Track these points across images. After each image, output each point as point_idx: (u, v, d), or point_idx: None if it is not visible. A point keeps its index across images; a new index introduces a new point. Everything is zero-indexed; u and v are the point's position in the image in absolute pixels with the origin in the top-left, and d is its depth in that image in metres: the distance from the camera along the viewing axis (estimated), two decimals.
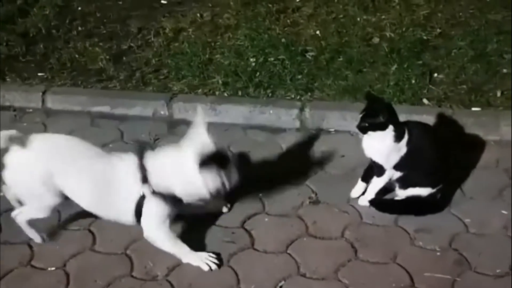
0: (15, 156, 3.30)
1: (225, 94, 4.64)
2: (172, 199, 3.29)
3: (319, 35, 5.15)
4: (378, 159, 3.53)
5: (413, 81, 4.51)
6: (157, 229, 3.33)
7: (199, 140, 3.21)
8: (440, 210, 3.61)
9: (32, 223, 3.46)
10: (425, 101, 4.37)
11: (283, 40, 5.06)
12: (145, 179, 3.25)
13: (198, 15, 5.62)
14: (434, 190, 3.57)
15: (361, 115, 3.46)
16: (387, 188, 3.65)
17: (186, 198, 3.32)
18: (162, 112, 4.62)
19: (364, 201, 3.67)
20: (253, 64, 4.86)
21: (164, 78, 4.89)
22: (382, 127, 3.41)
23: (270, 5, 5.57)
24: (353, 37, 5.06)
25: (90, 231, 3.60)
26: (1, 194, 3.67)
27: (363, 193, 3.70)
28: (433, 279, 3.20)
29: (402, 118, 3.53)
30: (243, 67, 4.82)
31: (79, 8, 5.91)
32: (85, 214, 3.48)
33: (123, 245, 3.49)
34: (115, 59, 5.12)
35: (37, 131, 4.48)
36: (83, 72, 5.04)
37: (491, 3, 5.30)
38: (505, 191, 3.73)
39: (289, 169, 4.02)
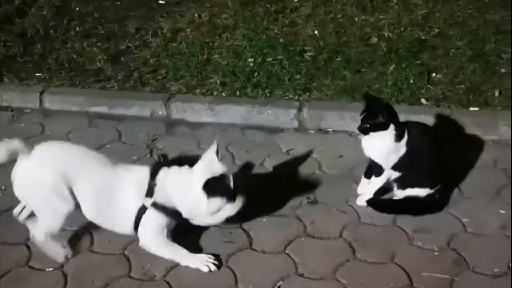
0: (22, 169, 3.27)
1: (223, 94, 4.64)
2: (171, 212, 3.34)
3: (317, 35, 5.15)
4: (378, 158, 3.53)
5: (411, 81, 4.51)
6: (153, 239, 3.36)
7: (210, 165, 3.29)
8: (439, 210, 3.61)
9: (52, 238, 3.39)
10: (423, 101, 4.37)
11: (281, 40, 5.06)
12: (150, 193, 3.30)
13: (196, 15, 5.62)
14: (433, 190, 3.57)
15: (361, 117, 3.46)
16: (386, 188, 3.65)
17: (186, 215, 3.37)
18: (160, 112, 4.62)
19: (362, 201, 3.67)
20: (251, 64, 4.86)
21: (162, 78, 4.89)
22: (384, 127, 3.41)
23: (268, 5, 5.57)
24: (351, 37, 5.06)
25: (88, 231, 3.59)
26: (0, 194, 3.67)
27: None
28: (431, 279, 3.19)
29: (400, 118, 3.52)
30: (241, 67, 4.82)
31: (77, 9, 5.91)
32: (82, 215, 3.47)
33: (121, 246, 3.48)
34: (113, 60, 5.12)
35: (35, 132, 4.52)
36: (81, 72, 5.04)
37: (489, 3, 5.31)
38: (503, 190, 3.73)
39: (287, 169, 4.01)
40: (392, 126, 3.41)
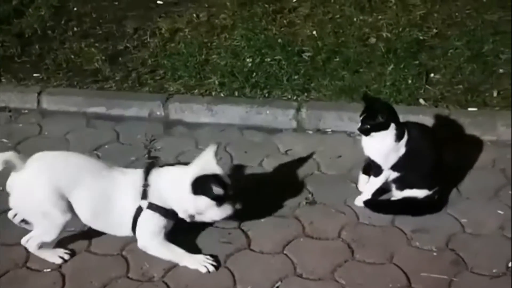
0: (17, 181, 3.27)
1: (222, 95, 4.63)
2: (168, 213, 3.34)
3: (316, 35, 5.15)
4: (377, 158, 3.52)
5: (410, 81, 4.51)
6: (151, 240, 3.36)
7: (205, 165, 3.30)
8: (437, 210, 3.61)
9: (45, 246, 3.40)
10: (421, 101, 4.37)
11: (279, 40, 5.06)
12: (144, 194, 3.31)
13: (195, 15, 5.62)
14: (431, 192, 3.57)
15: (361, 118, 3.46)
16: (384, 189, 3.65)
17: (181, 214, 3.37)
18: (158, 113, 4.61)
19: (360, 202, 3.66)
20: (250, 64, 4.85)
21: (160, 78, 4.88)
22: (384, 127, 3.41)
23: (266, 6, 5.57)
24: (349, 37, 5.06)
25: (85, 232, 3.58)
26: None
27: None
28: (430, 279, 3.19)
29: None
30: (240, 68, 4.81)
31: (75, 9, 5.90)
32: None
33: (119, 246, 3.48)
34: (111, 60, 5.11)
35: (33, 132, 4.51)
36: (79, 72, 5.03)
37: (488, 4, 5.31)
38: (502, 191, 3.73)
39: (285, 169, 4.01)
40: (392, 126, 3.41)
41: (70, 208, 3.29)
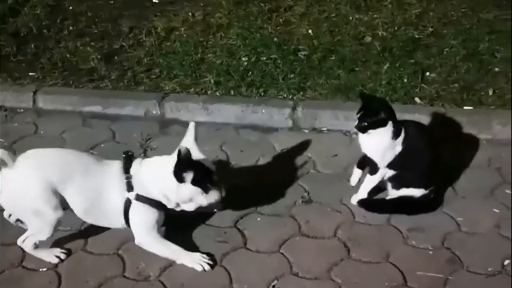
0: (7, 181, 3.25)
1: (217, 94, 4.63)
2: (156, 204, 3.34)
3: (311, 34, 5.15)
4: (374, 155, 3.52)
5: (405, 80, 4.51)
6: (146, 234, 3.36)
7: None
8: (433, 209, 3.61)
9: (41, 246, 3.40)
10: (417, 100, 4.37)
11: (275, 39, 5.05)
12: (130, 186, 3.31)
13: (190, 14, 5.61)
14: (427, 191, 3.57)
15: (359, 115, 3.45)
16: (380, 188, 3.65)
17: (168, 205, 3.36)
18: (154, 112, 4.61)
19: (356, 200, 3.66)
20: (245, 63, 4.85)
21: (156, 77, 4.88)
22: (382, 124, 3.41)
23: (262, 4, 5.56)
24: (345, 36, 5.06)
25: (81, 231, 3.58)
26: None
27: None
28: (426, 278, 3.20)
29: None
30: (235, 67, 4.81)
31: (70, 8, 5.89)
32: (74, 216, 3.45)
33: (115, 246, 3.48)
34: (107, 59, 5.11)
35: (29, 131, 4.51)
36: (75, 71, 5.02)
37: (483, 2, 5.31)
38: (497, 190, 3.74)
39: (281, 168, 4.01)
40: (390, 123, 3.41)
41: (62, 204, 3.28)
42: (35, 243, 3.35)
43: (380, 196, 3.69)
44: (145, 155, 4.17)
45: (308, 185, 3.86)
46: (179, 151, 3.19)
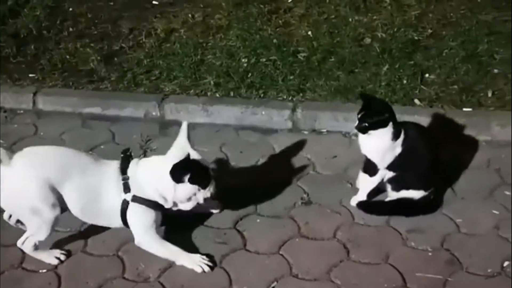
0: (4, 180, 3.23)
1: (217, 95, 4.63)
2: (153, 205, 3.34)
3: (311, 35, 5.15)
4: (374, 157, 3.52)
5: (405, 82, 4.51)
6: (144, 234, 3.36)
7: (180, 151, 3.28)
8: (433, 211, 3.61)
9: (41, 246, 3.39)
10: (416, 101, 4.38)
11: (274, 40, 5.06)
12: (126, 187, 3.31)
13: (190, 15, 5.61)
14: (427, 193, 3.58)
15: (359, 116, 3.45)
16: (380, 189, 3.66)
17: (165, 204, 3.37)
18: (153, 113, 4.61)
19: (355, 202, 3.67)
20: (245, 64, 4.85)
21: (156, 79, 4.88)
22: (384, 124, 3.41)
23: (261, 6, 5.56)
24: (344, 38, 5.06)
25: (81, 232, 3.58)
26: None
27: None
28: (425, 279, 3.20)
29: None
30: (235, 68, 4.81)
31: (70, 9, 5.89)
32: (74, 217, 3.45)
33: (114, 247, 3.48)
34: (107, 60, 5.11)
35: (28, 133, 4.51)
36: (74, 73, 5.02)
37: (482, 4, 5.32)
38: (496, 191, 3.74)
39: (281, 170, 4.02)
40: (390, 124, 3.41)
41: (59, 202, 3.28)
42: (35, 244, 3.34)
43: (379, 197, 3.69)
44: (145, 156, 4.16)
45: (307, 186, 3.86)
46: (174, 166, 3.22)
